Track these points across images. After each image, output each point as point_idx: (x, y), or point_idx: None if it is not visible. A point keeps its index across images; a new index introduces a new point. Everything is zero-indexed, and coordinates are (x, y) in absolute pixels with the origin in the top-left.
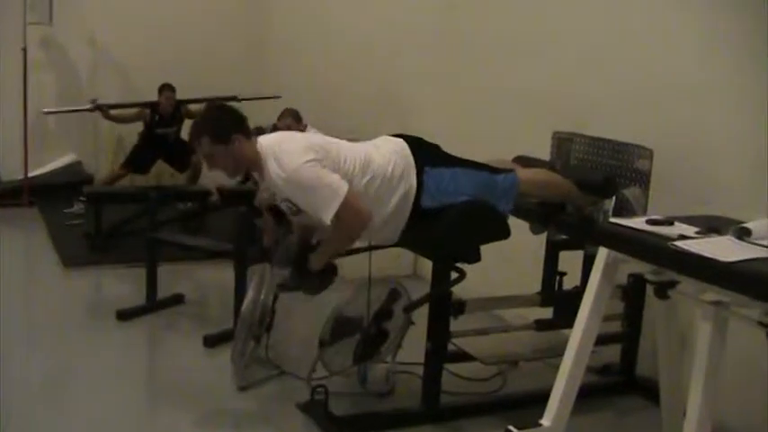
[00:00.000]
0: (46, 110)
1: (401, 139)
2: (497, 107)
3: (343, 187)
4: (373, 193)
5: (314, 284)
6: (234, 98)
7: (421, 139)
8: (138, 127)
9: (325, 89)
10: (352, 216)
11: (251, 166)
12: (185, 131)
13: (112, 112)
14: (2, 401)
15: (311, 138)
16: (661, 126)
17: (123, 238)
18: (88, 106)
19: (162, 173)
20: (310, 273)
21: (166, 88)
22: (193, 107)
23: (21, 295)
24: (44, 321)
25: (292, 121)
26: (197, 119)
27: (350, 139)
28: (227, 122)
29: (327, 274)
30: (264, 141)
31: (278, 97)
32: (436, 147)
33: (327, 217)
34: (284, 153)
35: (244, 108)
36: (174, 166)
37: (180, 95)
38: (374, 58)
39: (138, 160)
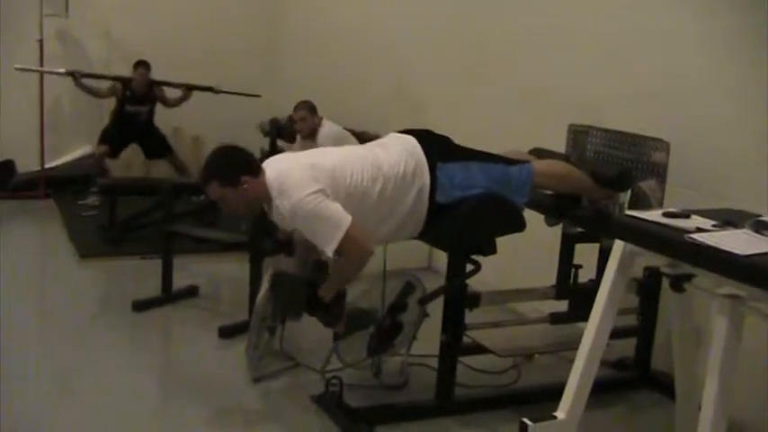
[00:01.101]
0: (18, 66)
1: (411, 137)
2: (512, 101)
3: (346, 220)
4: (389, 195)
5: (329, 316)
6: (210, 89)
7: (430, 132)
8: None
9: (339, 84)
10: (354, 249)
11: (262, 201)
12: (158, 119)
13: (85, 82)
14: (17, 392)
15: (317, 160)
16: (678, 119)
17: (138, 230)
18: (62, 71)
19: (131, 162)
20: (322, 306)
21: (141, 65)
22: (170, 95)
23: (36, 286)
24: (59, 312)
25: (307, 113)
26: (205, 163)
27: (362, 133)
28: (233, 165)
29: (338, 302)
30: (271, 172)
31: (257, 96)
32: (446, 139)
33: (330, 250)
34: (288, 185)
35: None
36: (148, 153)
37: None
38: (389, 54)
39: (109, 139)
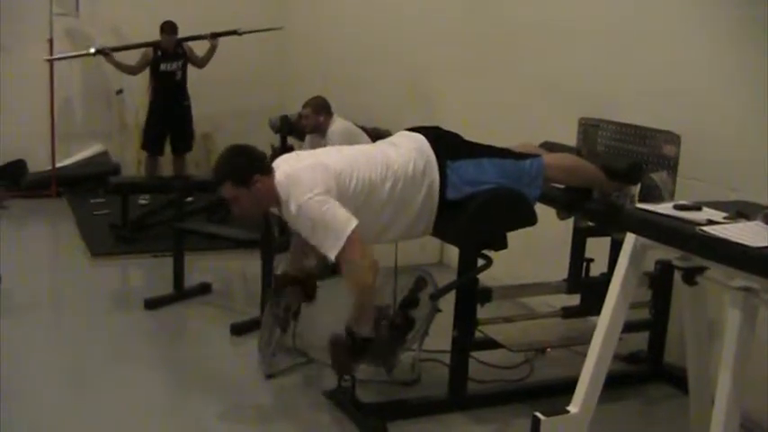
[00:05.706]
0: (46, 57)
1: (420, 135)
2: (523, 95)
3: (350, 226)
4: (398, 194)
5: (380, 351)
6: (234, 32)
7: (439, 128)
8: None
9: (351, 80)
10: (358, 254)
11: (272, 203)
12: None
13: (117, 57)
14: (31, 389)
15: (324, 160)
16: (688, 112)
17: (150, 228)
18: (91, 51)
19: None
20: (370, 342)
21: (166, 30)
22: (200, 52)
23: (49, 284)
24: (72, 310)
25: (310, 110)
26: (217, 163)
27: (373, 129)
28: (246, 165)
29: (379, 330)
30: (280, 174)
31: (279, 28)
32: (456, 136)
33: (333, 252)
34: (295, 187)
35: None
36: (176, 146)
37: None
38: (400, 48)
39: (150, 136)
